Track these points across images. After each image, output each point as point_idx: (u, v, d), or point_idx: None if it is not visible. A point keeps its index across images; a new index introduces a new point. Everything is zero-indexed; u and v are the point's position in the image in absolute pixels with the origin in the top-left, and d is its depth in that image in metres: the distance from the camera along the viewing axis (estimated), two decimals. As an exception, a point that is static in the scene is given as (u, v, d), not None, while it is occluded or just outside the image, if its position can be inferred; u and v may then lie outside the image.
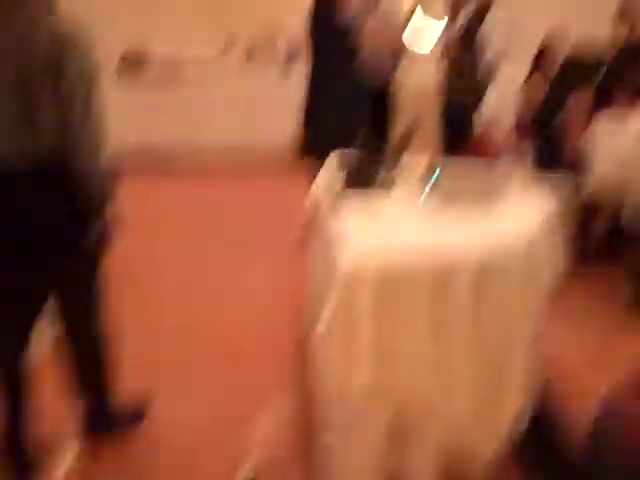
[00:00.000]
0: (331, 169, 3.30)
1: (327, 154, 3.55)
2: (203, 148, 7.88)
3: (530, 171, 4.89)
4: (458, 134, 5.20)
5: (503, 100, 5.47)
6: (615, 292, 4.24)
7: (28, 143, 2.32)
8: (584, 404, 2.67)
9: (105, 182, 2.44)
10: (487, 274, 2.32)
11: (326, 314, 2.26)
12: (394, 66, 5.54)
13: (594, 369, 3.41)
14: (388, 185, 2.96)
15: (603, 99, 4.87)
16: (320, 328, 2.27)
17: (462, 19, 5.68)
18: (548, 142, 4.89)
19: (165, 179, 7.12)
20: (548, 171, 4.72)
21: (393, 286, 2.25)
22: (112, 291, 2.77)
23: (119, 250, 2.69)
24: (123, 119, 7.31)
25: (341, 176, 3.02)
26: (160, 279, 4.64)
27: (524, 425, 2.61)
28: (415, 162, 3.21)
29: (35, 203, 2.37)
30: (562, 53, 5.22)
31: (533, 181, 3.18)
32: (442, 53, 5.98)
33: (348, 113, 5.00)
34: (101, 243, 2.54)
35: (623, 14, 5.07)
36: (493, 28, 5.51)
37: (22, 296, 2.53)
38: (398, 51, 5.57)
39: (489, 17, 5.49)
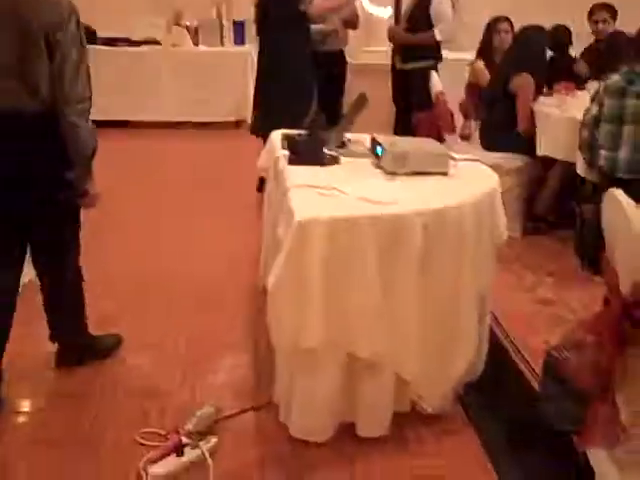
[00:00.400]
0: (273, 148, 3.35)
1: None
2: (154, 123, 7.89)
3: (476, 148, 5.02)
4: (408, 110, 5.29)
5: (449, 81, 5.59)
6: (566, 252, 4.38)
7: (24, 95, 2.55)
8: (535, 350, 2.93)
9: (92, 136, 2.67)
10: (435, 228, 2.39)
11: (278, 267, 2.30)
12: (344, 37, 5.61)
13: (545, 321, 3.59)
14: (332, 162, 3.00)
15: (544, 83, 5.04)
16: (272, 281, 2.31)
17: (408, 1, 5.80)
18: (494, 122, 5.00)
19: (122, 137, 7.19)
20: (494, 149, 4.89)
21: (343, 238, 2.30)
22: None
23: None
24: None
25: (284, 154, 3.06)
26: (122, 231, 4.73)
27: (475, 375, 2.73)
28: (361, 139, 3.28)
29: (29, 147, 2.60)
30: (507, 38, 5.34)
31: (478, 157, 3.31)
32: (389, 37, 6.11)
33: (297, 93, 5.08)
34: (83, 193, 2.77)
35: None
36: (439, 9, 5.61)
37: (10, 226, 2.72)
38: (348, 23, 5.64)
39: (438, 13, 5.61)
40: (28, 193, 2.65)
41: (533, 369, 3.03)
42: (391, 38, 6.06)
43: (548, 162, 4.88)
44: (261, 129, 5.11)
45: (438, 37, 5.67)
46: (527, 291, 3.97)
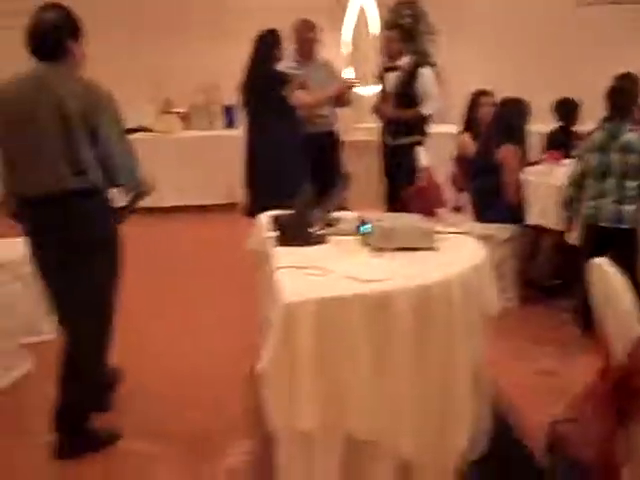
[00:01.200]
0: (261, 229, 3.36)
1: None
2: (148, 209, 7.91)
3: (467, 220, 5.04)
4: (398, 186, 5.32)
5: (437, 154, 5.66)
6: (565, 321, 4.46)
7: (72, 177, 2.92)
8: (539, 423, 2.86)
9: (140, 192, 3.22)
10: (424, 303, 2.37)
11: (269, 349, 2.28)
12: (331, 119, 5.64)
13: (547, 393, 3.54)
14: (320, 241, 3.00)
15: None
16: (264, 363, 2.27)
17: (394, 79, 5.89)
18: (483, 193, 5.04)
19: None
20: (484, 220, 4.91)
21: (333, 317, 2.27)
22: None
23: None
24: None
25: (272, 235, 3.06)
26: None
27: (478, 450, 2.66)
28: (348, 217, 3.29)
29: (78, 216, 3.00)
30: (490, 110, 5.43)
31: (468, 229, 3.32)
32: (375, 111, 6.18)
33: (284, 175, 5.12)
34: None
35: None
36: (425, 86, 5.72)
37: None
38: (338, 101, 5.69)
39: (420, 76, 5.70)
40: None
41: (537, 443, 2.95)
42: (378, 114, 6.14)
43: (540, 229, 4.90)
44: (251, 211, 5.14)
45: (426, 112, 5.76)
46: (528, 362, 3.92)
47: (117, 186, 3.09)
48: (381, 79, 6.10)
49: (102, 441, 3.18)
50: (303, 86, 5.19)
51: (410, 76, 5.73)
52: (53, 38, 2.95)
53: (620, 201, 4.03)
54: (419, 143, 5.66)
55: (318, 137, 5.50)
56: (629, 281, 3.82)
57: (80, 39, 3.05)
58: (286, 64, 5.49)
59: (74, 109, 2.87)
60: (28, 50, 2.97)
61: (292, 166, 5.14)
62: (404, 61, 5.84)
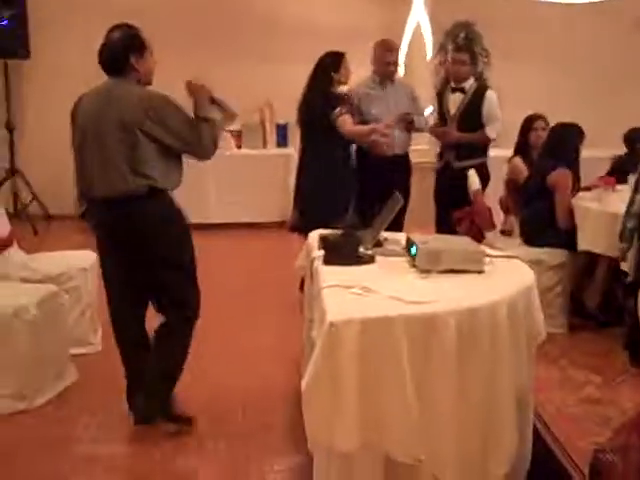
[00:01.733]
0: (310, 248, 3.39)
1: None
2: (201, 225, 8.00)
3: (517, 244, 5.00)
4: (451, 208, 5.24)
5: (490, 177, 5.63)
6: (615, 349, 4.35)
7: (133, 180, 3.22)
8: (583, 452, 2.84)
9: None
10: (470, 326, 2.36)
11: (312, 367, 2.29)
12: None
13: (592, 421, 3.49)
14: (367, 261, 3.00)
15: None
16: (306, 382, 2.29)
17: (458, 101, 5.80)
18: (534, 218, 5.00)
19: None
20: (535, 244, 4.87)
21: (377, 338, 2.28)
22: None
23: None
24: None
25: (320, 254, 3.07)
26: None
27: (520, 477, 2.63)
28: (397, 238, 3.30)
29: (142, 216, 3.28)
30: (542, 135, 5.39)
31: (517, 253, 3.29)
32: (434, 133, 6.07)
33: (328, 195, 5.15)
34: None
35: None
36: (491, 109, 5.61)
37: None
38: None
39: (486, 99, 5.62)
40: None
41: (582, 472, 2.91)
42: (438, 136, 6.00)
43: (593, 255, 4.83)
44: (297, 228, 5.24)
45: (492, 135, 5.63)
46: (574, 390, 3.86)
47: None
48: (439, 100, 6.02)
49: (180, 418, 3.45)
50: (353, 111, 5.18)
51: (477, 99, 5.63)
52: (118, 55, 3.29)
53: None
54: (485, 165, 5.60)
55: (390, 160, 5.41)
56: None
57: (144, 55, 3.33)
58: (366, 84, 5.53)
59: (135, 119, 3.18)
60: (100, 66, 3.33)
61: (337, 188, 5.16)
62: (469, 84, 5.74)
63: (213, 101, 3.44)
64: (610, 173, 5.65)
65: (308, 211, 5.27)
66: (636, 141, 5.84)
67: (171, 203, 3.38)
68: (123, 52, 3.29)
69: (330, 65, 5.15)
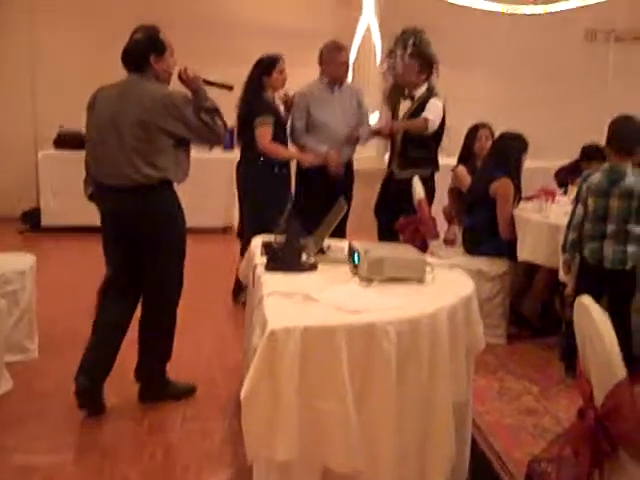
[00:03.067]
0: (253, 254, 3.38)
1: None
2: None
3: (459, 253, 5.06)
4: (396, 217, 5.25)
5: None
6: (552, 360, 4.44)
7: (144, 171, 3.47)
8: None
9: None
10: (410, 335, 2.37)
11: (251, 375, 2.27)
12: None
13: (529, 432, 3.52)
14: (310, 269, 3.01)
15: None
16: (245, 390, 2.27)
17: (405, 109, 5.80)
18: (476, 227, 5.06)
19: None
20: (477, 254, 4.93)
21: (317, 347, 2.27)
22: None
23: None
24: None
25: (262, 261, 3.07)
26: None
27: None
28: (340, 246, 3.31)
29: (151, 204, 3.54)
30: (486, 143, 5.46)
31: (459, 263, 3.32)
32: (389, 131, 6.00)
33: (259, 201, 5.17)
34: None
35: None
36: (428, 111, 5.56)
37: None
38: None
39: (429, 106, 5.57)
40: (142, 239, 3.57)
41: (516, 481, 2.95)
42: (384, 133, 5.91)
43: (532, 266, 4.91)
44: (240, 233, 5.38)
45: (429, 116, 5.40)
46: (512, 400, 3.90)
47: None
48: (393, 108, 6.00)
49: (182, 391, 3.79)
50: (280, 120, 5.20)
51: (421, 107, 5.59)
52: (138, 54, 3.53)
53: (618, 242, 3.96)
54: (429, 176, 5.53)
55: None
56: (624, 320, 3.89)
57: (164, 55, 3.57)
58: (316, 87, 5.51)
59: (154, 116, 3.43)
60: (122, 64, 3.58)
61: (269, 192, 5.17)
62: (420, 92, 5.69)
63: (207, 83, 3.67)
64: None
65: (244, 215, 5.36)
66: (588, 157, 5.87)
67: (175, 195, 3.66)
68: (143, 51, 3.53)
69: (263, 69, 5.14)
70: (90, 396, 3.56)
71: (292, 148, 5.48)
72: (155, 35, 3.58)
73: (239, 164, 5.44)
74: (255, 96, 5.10)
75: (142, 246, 3.58)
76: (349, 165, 5.70)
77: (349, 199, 5.44)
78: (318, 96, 5.49)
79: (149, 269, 3.62)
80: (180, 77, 3.62)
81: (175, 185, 3.65)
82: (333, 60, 5.47)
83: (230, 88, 3.88)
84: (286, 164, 5.33)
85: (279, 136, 5.21)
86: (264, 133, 5.06)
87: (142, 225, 3.55)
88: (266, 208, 5.06)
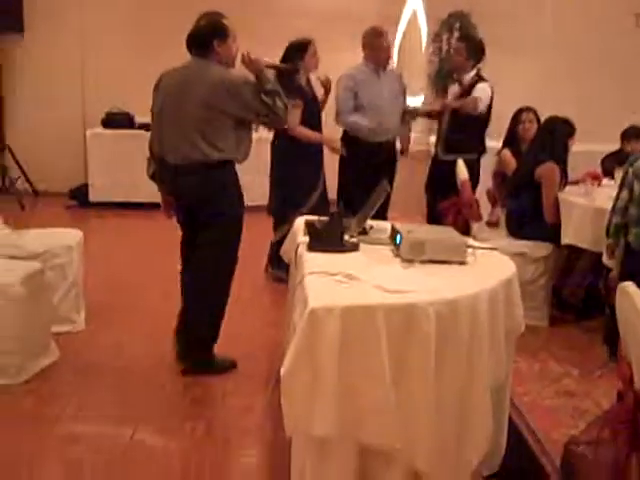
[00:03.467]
0: (296, 234, 3.41)
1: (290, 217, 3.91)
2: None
3: (502, 236, 5.03)
4: (441, 197, 5.25)
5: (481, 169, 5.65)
6: (594, 343, 4.40)
7: (206, 150, 3.63)
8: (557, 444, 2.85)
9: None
10: (449, 316, 2.38)
11: (291, 353, 2.31)
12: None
13: (568, 414, 3.53)
14: (352, 249, 3.02)
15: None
16: (285, 367, 2.31)
17: (454, 94, 5.80)
18: (520, 210, 5.03)
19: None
20: (521, 237, 4.90)
21: (357, 326, 2.29)
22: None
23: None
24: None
25: (305, 241, 3.09)
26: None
27: (494, 466, 2.66)
28: (382, 226, 3.32)
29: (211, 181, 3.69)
30: (531, 127, 5.41)
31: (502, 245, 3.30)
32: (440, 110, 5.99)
33: (290, 180, 5.30)
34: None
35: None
36: (480, 88, 5.56)
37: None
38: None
39: (475, 90, 5.57)
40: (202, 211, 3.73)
41: (554, 463, 2.95)
42: (443, 107, 5.88)
43: (576, 250, 4.87)
44: (268, 210, 5.57)
45: (476, 94, 5.50)
46: (552, 382, 3.90)
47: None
48: (444, 90, 6.04)
49: (224, 366, 3.88)
50: (297, 105, 5.19)
51: (469, 93, 5.60)
52: (203, 38, 3.69)
53: None
54: (475, 161, 5.58)
55: (378, 146, 5.56)
56: None
57: (227, 41, 3.70)
58: (361, 70, 5.60)
59: (217, 98, 3.59)
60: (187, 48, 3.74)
61: (298, 168, 5.29)
62: (470, 76, 5.68)
63: (269, 67, 3.88)
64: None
65: (273, 196, 5.52)
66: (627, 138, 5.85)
67: (235, 176, 3.77)
68: (207, 36, 3.68)
69: (296, 52, 5.22)
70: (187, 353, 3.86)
71: (319, 132, 5.50)
72: (219, 21, 3.72)
73: (272, 142, 5.55)
74: (286, 79, 5.13)
75: (200, 222, 3.74)
76: (392, 146, 5.71)
77: (392, 179, 5.46)
78: (364, 79, 5.57)
79: (205, 244, 3.76)
80: (243, 61, 3.76)
81: (236, 166, 3.76)
82: (373, 46, 5.58)
83: (295, 71, 4.00)
84: (314, 145, 5.39)
85: (309, 120, 5.30)
86: (293, 117, 5.09)
87: (200, 202, 3.70)
88: (289, 185, 5.25)
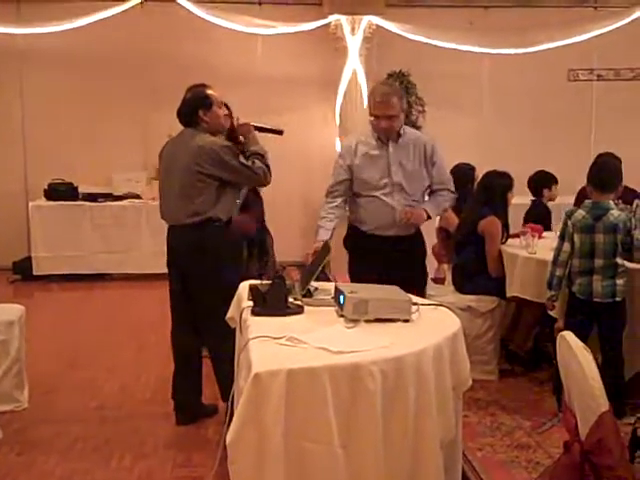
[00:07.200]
0: (240, 298, 3.36)
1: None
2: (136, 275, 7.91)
3: (448, 292, 5.06)
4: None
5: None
6: (544, 394, 4.44)
7: (188, 212, 3.90)
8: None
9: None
10: (395, 375, 2.37)
11: (237, 419, 2.27)
12: None
13: (522, 467, 3.52)
14: (296, 312, 3.00)
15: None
16: (230, 434, 2.27)
17: None
18: (465, 265, 5.08)
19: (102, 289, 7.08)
20: (466, 292, 4.94)
21: (302, 389, 2.27)
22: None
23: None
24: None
25: (249, 305, 3.06)
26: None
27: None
28: (326, 287, 3.31)
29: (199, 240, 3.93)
30: (472, 186, 5.52)
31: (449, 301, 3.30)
32: None
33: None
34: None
35: None
36: None
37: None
38: None
39: None
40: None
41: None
42: None
43: (521, 301, 4.91)
44: None
45: None
46: (504, 435, 3.89)
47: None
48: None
49: (209, 412, 4.14)
50: None
51: None
52: (187, 110, 4.02)
53: (604, 277, 4.01)
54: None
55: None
56: (616, 351, 3.90)
57: (212, 109, 3.99)
58: (364, 143, 4.26)
59: (197, 163, 3.84)
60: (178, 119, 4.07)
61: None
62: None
63: (257, 129, 4.10)
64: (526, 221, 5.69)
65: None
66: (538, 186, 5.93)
67: (222, 232, 3.98)
68: (192, 108, 4.00)
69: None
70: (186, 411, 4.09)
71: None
72: (202, 92, 4.03)
73: None
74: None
75: (191, 278, 3.96)
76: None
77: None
78: (366, 153, 4.21)
79: (198, 301, 3.97)
80: (232, 125, 4.04)
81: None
82: (370, 113, 4.20)
83: (280, 132, 4.22)
84: None
85: None
86: None
87: (189, 258, 3.93)
88: None
